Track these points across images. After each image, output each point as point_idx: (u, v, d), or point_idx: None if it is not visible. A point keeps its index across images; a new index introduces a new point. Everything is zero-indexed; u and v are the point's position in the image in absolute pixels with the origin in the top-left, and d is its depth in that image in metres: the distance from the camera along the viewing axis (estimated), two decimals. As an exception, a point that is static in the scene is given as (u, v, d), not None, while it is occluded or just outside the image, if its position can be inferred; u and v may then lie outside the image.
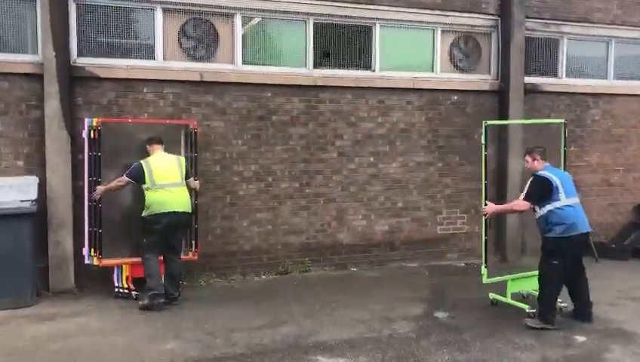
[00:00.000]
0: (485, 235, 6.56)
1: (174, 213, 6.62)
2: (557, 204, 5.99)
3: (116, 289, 7.02)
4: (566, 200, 6.02)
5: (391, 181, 8.85)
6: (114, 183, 6.86)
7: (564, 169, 6.90)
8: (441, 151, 9.17)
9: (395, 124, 8.87)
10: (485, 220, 6.47)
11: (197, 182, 7.26)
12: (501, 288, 6.74)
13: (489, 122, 6.79)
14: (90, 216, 7.02)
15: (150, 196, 6.64)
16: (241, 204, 8.14)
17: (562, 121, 7.27)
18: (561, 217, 5.98)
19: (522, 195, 6.25)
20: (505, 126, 9.07)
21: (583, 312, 6.23)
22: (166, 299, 6.57)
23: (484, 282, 6.53)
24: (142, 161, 6.75)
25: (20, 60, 7.20)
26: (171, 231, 6.70)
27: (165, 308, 6.54)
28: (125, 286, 7.04)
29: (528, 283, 6.76)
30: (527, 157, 6.37)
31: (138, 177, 6.70)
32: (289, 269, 8.27)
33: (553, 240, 6.04)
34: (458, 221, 9.31)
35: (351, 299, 6.95)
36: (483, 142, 6.54)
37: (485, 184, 6.56)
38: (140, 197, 6.84)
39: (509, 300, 6.62)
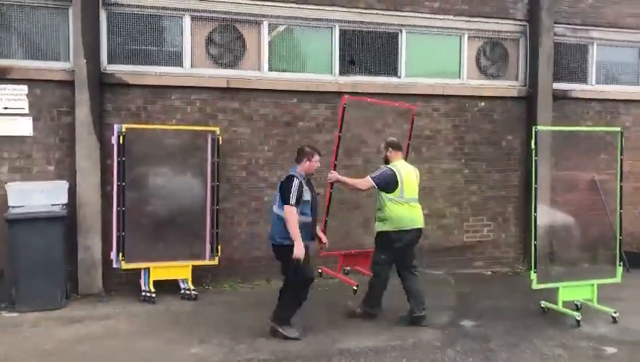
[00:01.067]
0: (535, 239, 6.49)
1: (418, 229, 6.33)
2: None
3: (143, 293, 7.10)
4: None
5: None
6: (354, 181, 6.54)
7: (621, 178, 6.85)
8: (467, 158, 9.08)
9: (421, 131, 8.82)
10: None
11: None
12: (531, 297, 6.65)
13: (539, 128, 6.75)
14: (119, 220, 7.13)
15: (396, 209, 6.18)
16: (266, 209, 8.16)
17: (619, 129, 7.10)
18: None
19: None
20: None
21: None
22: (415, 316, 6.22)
23: (533, 288, 6.45)
24: (392, 168, 6.29)
25: (52, 68, 7.37)
26: (410, 248, 6.36)
27: (191, 313, 6.60)
28: (150, 289, 7.12)
29: (581, 292, 6.66)
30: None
31: (388, 185, 6.19)
32: (316, 275, 8.24)
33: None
34: (485, 229, 9.20)
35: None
36: (533, 147, 6.46)
37: (535, 188, 6.49)
38: (174, 201, 6.92)
39: (560, 308, 6.52)
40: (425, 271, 8.36)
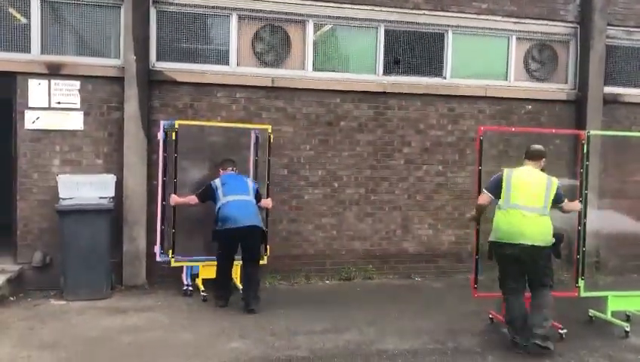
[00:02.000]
0: (584, 246, 6.34)
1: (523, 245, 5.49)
2: (218, 203, 6.72)
3: (185, 287, 7.22)
4: (225, 197, 6.70)
5: (459, 191, 8.68)
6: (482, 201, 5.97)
7: None
8: (512, 162, 8.86)
9: (465, 133, 8.70)
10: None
11: None
12: (576, 306, 6.48)
13: (592, 132, 6.56)
14: (163, 215, 7.28)
15: (498, 217, 5.72)
16: (307, 208, 8.20)
17: None
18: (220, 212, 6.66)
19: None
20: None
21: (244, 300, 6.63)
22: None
23: (581, 295, 6.32)
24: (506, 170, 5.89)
25: (103, 64, 7.57)
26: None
27: (231, 308, 6.68)
28: (199, 286, 7.22)
29: (631, 302, 6.49)
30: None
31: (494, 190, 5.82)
32: (352, 275, 8.26)
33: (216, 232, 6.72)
34: (528, 234, 8.98)
35: (414, 309, 6.85)
36: (585, 151, 6.31)
37: (585, 194, 6.35)
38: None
39: (609, 317, 6.36)
40: (467, 276, 8.29)
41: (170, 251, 7.15)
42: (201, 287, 7.16)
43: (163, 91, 7.69)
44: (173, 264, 7.16)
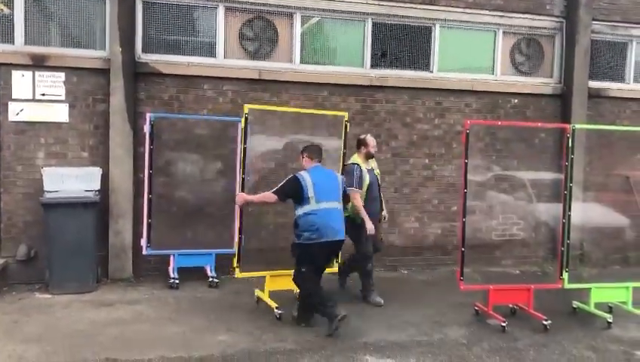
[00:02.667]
0: (568, 239, 6.41)
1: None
2: (307, 208, 5.72)
3: (171, 281, 7.20)
4: (318, 204, 5.70)
5: (446, 184, 8.72)
6: None
7: None
8: (498, 156, 8.97)
9: (451, 126, 8.74)
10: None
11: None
12: (561, 298, 6.57)
13: (577, 126, 6.64)
14: (150, 208, 7.24)
15: None
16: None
17: None
18: (311, 221, 5.70)
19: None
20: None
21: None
22: None
23: (565, 287, 6.40)
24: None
25: (89, 55, 7.49)
26: None
27: (218, 301, 6.67)
28: (263, 298, 6.58)
29: (614, 294, 6.58)
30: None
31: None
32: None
33: (299, 246, 5.80)
34: (514, 227, 9.09)
35: (401, 302, 6.89)
36: (570, 145, 6.37)
37: (570, 187, 6.40)
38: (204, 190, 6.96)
39: (592, 309, 6.45)
40: (453, 269, 8.34)
41: (235, 260, 6.50)
42: (272, 303, 6.26)
43: (149, 83, 7.64)
44: (238, 275, 6.46)
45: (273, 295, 6.40)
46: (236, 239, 6.65)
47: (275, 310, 6.10)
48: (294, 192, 5.78)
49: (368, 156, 6.86)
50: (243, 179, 6.49)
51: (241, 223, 6.55)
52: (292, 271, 6.00)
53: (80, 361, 4.90)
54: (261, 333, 5.67)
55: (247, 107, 6.60)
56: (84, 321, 5.90)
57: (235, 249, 6.57)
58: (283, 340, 5.52)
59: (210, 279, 7.30)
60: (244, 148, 6.52)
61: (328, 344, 5.46)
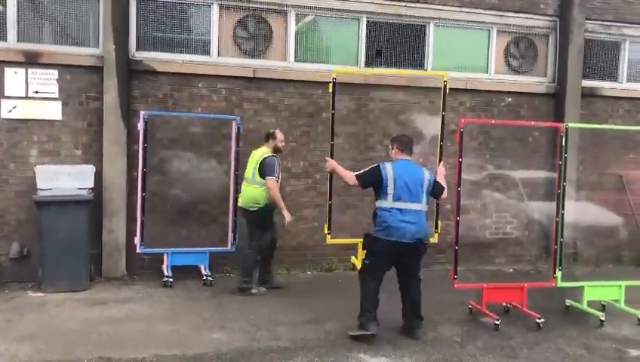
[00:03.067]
0: (561, 237, 6.44)
1: None
2: (383, 203, 5.54)
3: (165, 279, 7.18)
4: (393, 202, 5.48)
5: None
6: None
7: None
8: (492, 154, 8.99)
9: (446, 125, 8.72)
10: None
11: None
12: (554, 296, 6.60)
13: (571, 124, 6.66)
14: (144, 206, 7.22)
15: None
16: (289, 199, 8.17)
17: None
18: (383, 217, 5.51)
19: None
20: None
21: (407, 326, 5.77)
22: None
23: (558, 285, 6.43)
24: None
25: (82, 53, 7.46)
26: None
27: (212, 299, 6.67)
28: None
29: (606, 292, 6.62)
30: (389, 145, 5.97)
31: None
32: (334, 266, 8.29)
33: (371, 238, 5.62)
34: (508, 226, 9.12)
35: (396, 299, 6.86)
36: (563, 144, 6.39)
37: (564, 186, 6.42)
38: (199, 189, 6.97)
39: (584, 307, 6.49)
40: (447, 267, 8.36)
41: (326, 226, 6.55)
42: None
43: (143, 81, 7.61)
44: (329, 241, 6.62)
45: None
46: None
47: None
48: (374, 182, 5.57)
49: (276, 150, 7.03)
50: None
51: (330, 189, 6.57)
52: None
53: (73, 360, 4.87)
54: (256, 331, 5.67)
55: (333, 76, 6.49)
56: (77, 320, 5.88)
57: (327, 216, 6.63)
58: (277, 338, 5.52)
59: (205, 277, 7.29)
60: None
61: (323, 343, 5.47)
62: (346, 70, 7.94)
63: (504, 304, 6.61)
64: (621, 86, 9.58)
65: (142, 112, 7.21)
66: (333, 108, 6.61)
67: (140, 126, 7.18)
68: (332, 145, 6.56)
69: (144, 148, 7.20)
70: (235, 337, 5.51)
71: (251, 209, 6.87)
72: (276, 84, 8.07)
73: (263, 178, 6.76)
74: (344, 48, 8.56)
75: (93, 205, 7.03)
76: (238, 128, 7.63)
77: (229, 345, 5.31)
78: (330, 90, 6.53)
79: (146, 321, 5.90)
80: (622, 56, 9.62)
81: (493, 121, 8.00)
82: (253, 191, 6.87)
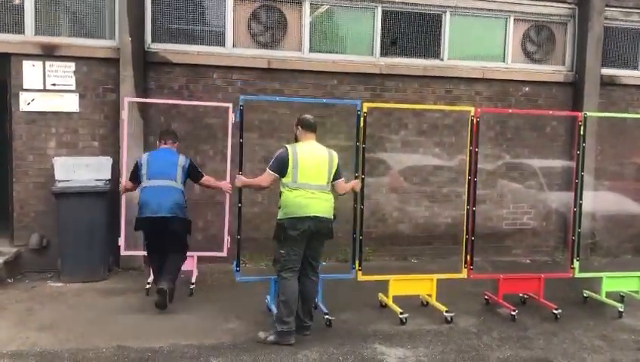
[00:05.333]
0: (579, 227, 6.38)
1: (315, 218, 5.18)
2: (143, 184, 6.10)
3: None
4: (147, 181, 6.06)
5: (456, 173, 8.68)
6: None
7: None
8: (509, 144, 8.91)
9: (462, 115, 8.67)
10: None
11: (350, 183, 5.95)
12: (571, 287, 6.54)
13: (589, 113, 6.58)
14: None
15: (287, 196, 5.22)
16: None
17: None
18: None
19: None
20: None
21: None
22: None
23: (575, 276, 6.39)
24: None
25: (99, 45, 7.51)
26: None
27: (228, 290, 6.71)
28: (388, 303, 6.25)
29: (625, 283, 6.58)
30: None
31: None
32: (348, 257, 8.27)
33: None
34: (525, 216, 9.04)
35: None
36: (581, 133, 6.32)
37: (582, 176, 6.36)
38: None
39: (603, 298, 6.44)
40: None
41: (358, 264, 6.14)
42: (395, 308, 5.96)
43: (158, 73, 7.65)
44: (360, 278, 6.09)
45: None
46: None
47: (400, 315, 5.77)
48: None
49: None
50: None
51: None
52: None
53: (92, 349, 4.94)
54: (269, 320, 5.68)
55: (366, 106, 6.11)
56: (95, 309, 5.96)
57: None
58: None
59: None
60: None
61: (339, 332, 5.48)
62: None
63: (521, 295, 6.57)
64: (641, 74, 9.42)
65: (241, 98, 6.01)
66: (364, 141, 6.12)
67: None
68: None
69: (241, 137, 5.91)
70: (251, 326, 5.53)
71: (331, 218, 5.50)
72: (291, 74, 8.06)
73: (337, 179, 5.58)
74: (359, 38, 8.51)
75: (110, 196, 7.09)
76: (358, 115, 6.20)
77: (245, 335, 5.34)
78: (362, 124, 6.07)
79: (163, 311, 5.93)
80: (642, 44, 9.45)
81: (510, 111, 7.91)
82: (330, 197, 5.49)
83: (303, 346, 5.11)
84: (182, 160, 6.24)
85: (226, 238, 6.84)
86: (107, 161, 7.27)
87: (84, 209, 6.83)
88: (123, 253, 6.93)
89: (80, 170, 7.08)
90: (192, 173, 6.33)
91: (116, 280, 7.03)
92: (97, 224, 6.95)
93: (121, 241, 6.84)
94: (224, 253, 6.87)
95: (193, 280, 6.78)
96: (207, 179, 6.53)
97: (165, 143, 6.35)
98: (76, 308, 6.00)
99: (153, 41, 7.69)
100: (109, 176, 7.19)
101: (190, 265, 6.79)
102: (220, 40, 7.94)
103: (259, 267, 7.73)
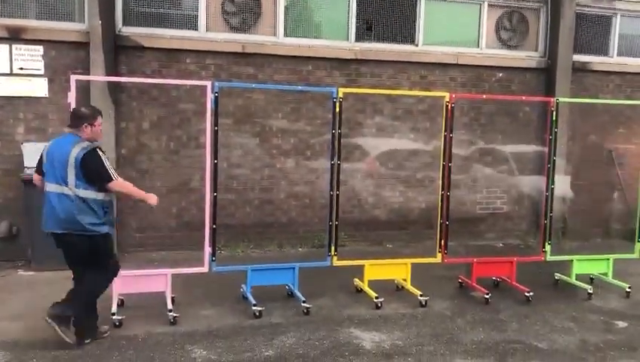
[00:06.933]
0: (551, 212, 6.48)
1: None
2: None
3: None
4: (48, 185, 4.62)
5: (430, 158, 8.73)
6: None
7: None
8: (483, 130, 8.99)
9: (436, 100, 8.71)
10: None
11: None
12: (543, 270, 6.66)
13: (561, 99, 6.66)
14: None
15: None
16: (279, 176, 8.17)
17: None
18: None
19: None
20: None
21: None
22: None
23: (547, 259, 6.50)
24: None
25: (67, 28, 7.32)
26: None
27: (203, 277, 6.65)
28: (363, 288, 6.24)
29: (595, 266, 6.72)
30: None
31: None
32: (324, 242, 8.27)
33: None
34: (498, 201, 9.16)
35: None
36: (554, 118, 6.39)
37: (554, 161, 6.46)
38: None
39: (573, 280, 6.57)
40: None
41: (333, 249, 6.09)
42: (371, 292, 5.99)
43: (130, 57, 7.50)
44: (336, 263, 6.04)
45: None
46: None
47: (375, 299, 5.83)
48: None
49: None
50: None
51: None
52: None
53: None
54: (246, 307, 5.68)
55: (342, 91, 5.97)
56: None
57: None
58: (269, 314, 5.54)
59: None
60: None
61: (315, 318, 5.50)
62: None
63: (494, 278, 6.67)
64: (611, 60, 9.56)
65: (216, 84, 5.69)
66: (339, 127, 5.98)
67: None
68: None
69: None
70: (227, 313, 5.50)
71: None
72: (265, 59, 7.98)
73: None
74: (334, 23, 8.46)
75: (82, 183, 6.94)
76: (333, 101, 6.00)
77: (221, 321, 5.32)
78: (338, 109, 5.96)
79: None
80: (612, 31, 9.57)
81: (484, 96, 7.96)
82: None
83: (278, 331, 5.12)
84: (74, 153, 4.48)
85: (207, 250, 5.77)
86: (78, 147, 7.09)
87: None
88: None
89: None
90: (87, 175, 4.50)
91: (89, 268, 6.90)
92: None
93: None
94: (204, 268, 5.75)
95: (169, 306, 5.43)
96: (119, 185, 4.69)
97: (69, 127, 4.76)
98: (49, 298, 5.80)
99: (124, 24, 7.53)
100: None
101: (162, 285, 5.62)
102: (193, 24, 7.81)
103: (235, 254, 7.70)
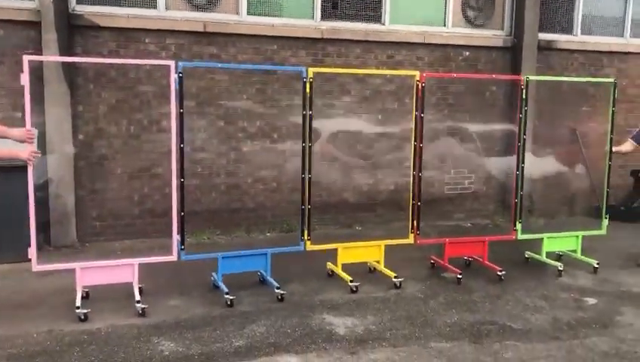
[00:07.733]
0: (521, 190, 6.47)
1: None
2: None
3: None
4: None
5: (398, 139, 8.64)
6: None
7: (612, 131, 6.78)
8: (450, 110, 8.93)
9: (404, 80, 8.60)
10: None
11: None
12: (511, 249, 6.67)
13: (531, 77, 6.62)
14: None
15: None
16: (245, 160, 7.96)
17: (612, 80, 7.02)
18: None
19: None
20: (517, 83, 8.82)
21: None
22: None
23: (518, 238, 6.50)
24: None
25: (16, 6, 6.91)
26: None
27: (167, 266, 6.43)
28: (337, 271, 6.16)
29: (564, 243, 6.76)
30: None
31: None
32: (293, 227, 8.13)
33: None
34: (466, 181, 9.15)
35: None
36: (524, 97, 6.34)
37: (524, 140, 6.44)
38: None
39: (543, 258, 6.60)
40: (406, 224, 8.35)
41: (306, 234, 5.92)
42: (345, 276, 5.90)
43: (85, 37, 7.13)
44: (309, 247, 5.90)
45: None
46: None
47: (350, 283, 5.74)
48: None
49: None
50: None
51: None
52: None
53: (21, 334, 4.61)
54: (216, 297, 5.50)
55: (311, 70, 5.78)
56: (27, 291, 5.60)
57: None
58: (239, 302, 5.37)
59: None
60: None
61: (286, 304, 5.36)
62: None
63: (465, 258, 6.65)
64: (576, 39, 9.60)
65: (180, 64, 5.43)
66: (310, 108, 5.78)
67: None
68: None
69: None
70: (195, 303, 5.32)
71: None
72: (228, 38, 7.71)
73: None
74: (299, 1, 8.22)
75: (35, 170, 6.59)
76: (303, 82, 5.86)
77: (188, 312, 5.14)
78: (308, 90, 5.77)
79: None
80: (576, 9, 9.60)
81: (455, 75, 7.89)
82: None
83: (249, 320, 4.97)
84: None
85: (175, 238, 5.54)
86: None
87: (6, 185, 6.34)
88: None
89: (2, 143, 6.52)
90: None
91: (47, 260, 6.57)
92: (24, 201, 6.44)
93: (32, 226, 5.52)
94: (173, 257, 5.51)
95: (137, 297, 5.23)
96: None
97: None
98: (6, 291, 5.60)
99: (78, 2, 7.14)
100: (35, 149, 6.67)
101: (129, 275, 5.42)
102: (152, 2, 7.47)
103: (201, 241, 7.48)
